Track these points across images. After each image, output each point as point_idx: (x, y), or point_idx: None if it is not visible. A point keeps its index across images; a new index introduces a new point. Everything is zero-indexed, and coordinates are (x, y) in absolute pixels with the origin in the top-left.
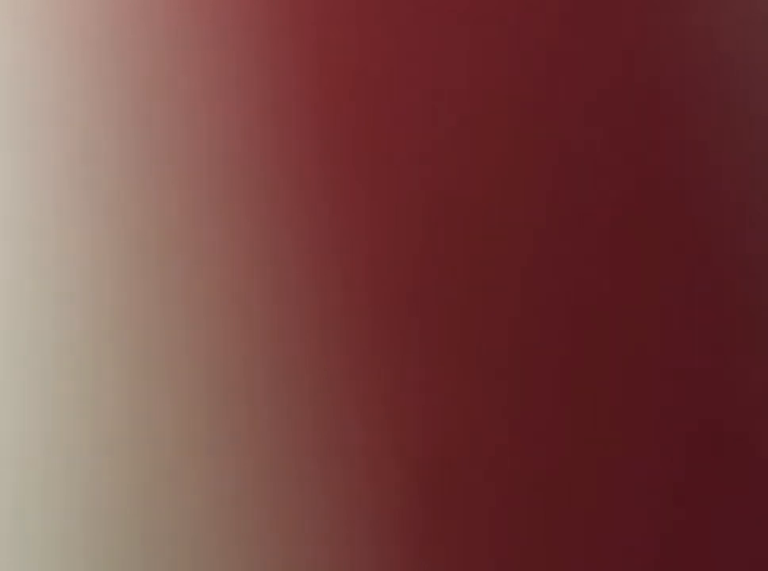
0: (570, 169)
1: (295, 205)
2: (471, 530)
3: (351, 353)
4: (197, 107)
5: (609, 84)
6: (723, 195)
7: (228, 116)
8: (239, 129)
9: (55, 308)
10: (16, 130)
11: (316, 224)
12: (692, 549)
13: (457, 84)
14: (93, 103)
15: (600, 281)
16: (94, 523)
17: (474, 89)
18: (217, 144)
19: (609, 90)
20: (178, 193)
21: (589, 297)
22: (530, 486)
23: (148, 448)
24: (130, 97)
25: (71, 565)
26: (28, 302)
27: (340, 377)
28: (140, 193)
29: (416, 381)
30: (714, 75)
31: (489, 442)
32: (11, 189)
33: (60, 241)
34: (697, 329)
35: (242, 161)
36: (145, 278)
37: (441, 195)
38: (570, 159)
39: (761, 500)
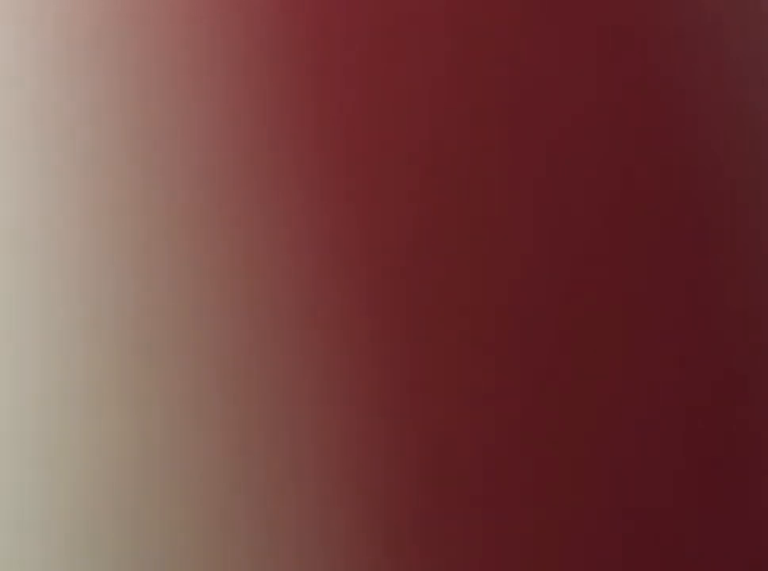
0: (569, 167)
1: (294, 203)
2: (471, 530)
3: (349, 352)
4: (195, 104)
5: (608, 83)
6: (724, 195)
7: (225, 114)
8: (236, 127)
9: (53, 309)
10: (14, 129)
11: (315, 222)
12: (692, 549)
13: (456, 81)
14: (89, 98)
15: (599, 280)
16: (89, 522)
17: (472, 88)
18: (215, 140)
19: (608, 89)
20: (176, 190)
21: (588, 297)
22: (530, 487)
23: (145, 450)
24: (128, 95)
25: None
26: (26, 302)
27: (339, 377)
28: (138, 190)
29: (416, 379)
30: (716, 74)
31: (489, 442)
32: (9, 188)
33: (58, 239)
34: (697, 329)
35: (240, 158)
36: (143, 278)
37: (441, 193)
38: (569, 158)
39: (760, 500)
